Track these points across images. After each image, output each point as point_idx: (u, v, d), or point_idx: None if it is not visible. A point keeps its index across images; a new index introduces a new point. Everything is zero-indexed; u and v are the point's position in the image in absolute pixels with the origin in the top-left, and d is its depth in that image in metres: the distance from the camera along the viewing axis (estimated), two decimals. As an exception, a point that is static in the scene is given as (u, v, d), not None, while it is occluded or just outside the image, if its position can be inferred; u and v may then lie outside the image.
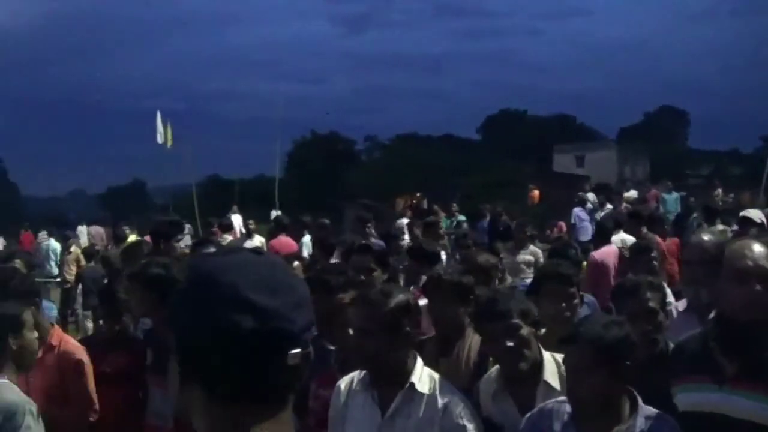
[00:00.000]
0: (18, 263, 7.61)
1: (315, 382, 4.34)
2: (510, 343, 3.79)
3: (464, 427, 3.57)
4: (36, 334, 4.44)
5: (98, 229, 26.20)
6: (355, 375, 3.87)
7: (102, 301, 5.96)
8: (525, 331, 3.85)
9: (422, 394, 3.62)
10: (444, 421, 3.58)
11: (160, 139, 27.78)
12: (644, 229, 10.44)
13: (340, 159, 66.47)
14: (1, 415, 3.87)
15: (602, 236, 10.42)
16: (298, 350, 1.51)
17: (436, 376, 3.74)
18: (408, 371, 3.67)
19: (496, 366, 4.04)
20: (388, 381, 3.69)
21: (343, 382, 3.90)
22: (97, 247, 17.42)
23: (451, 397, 3.64)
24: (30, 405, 4.00)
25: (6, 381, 4.08)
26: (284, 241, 13.12)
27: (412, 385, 3.63)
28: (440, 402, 3.60)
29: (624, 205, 23.01)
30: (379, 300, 3.71)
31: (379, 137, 76.96)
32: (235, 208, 25.07)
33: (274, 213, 23.16)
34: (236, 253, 1.64)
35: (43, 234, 17.04)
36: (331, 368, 4.38)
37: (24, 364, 4.31)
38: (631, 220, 11.01)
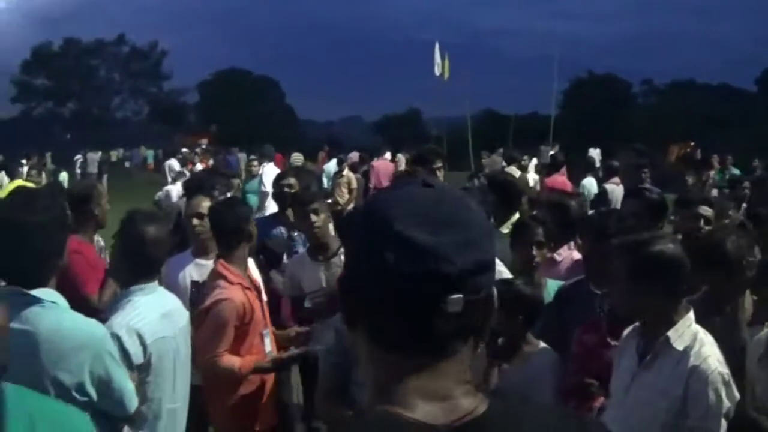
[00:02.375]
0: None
1: (580, 327, 4.32)
2: None
3: (707, 395, 3.40)
4: None
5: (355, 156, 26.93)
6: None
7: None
8: None
9: (676, 351, 3.48)
10: (691, 381, 3.43)
11: (437, 71, 28.24)
12: None
13: (615, 101, 64.71)
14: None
15: None
16: (460, 296, 1.33)
17: (702, 335, 3.54)
18: (669, 324, 3.54)
19: None
20: (650, 331, 3.60)
21: (630, 328, 3.82)
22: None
23: (704, 360, 3.44)
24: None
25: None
26: (559, 180, 12.76)
27: (668, 339, 3.51)
28: (691, 362, 3.44)
29: None
30: (632, 248, 3.62)
31: (655, 81, 74.09)
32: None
33: (544, 149, 22.90)
34: (406, 185, 1.45)
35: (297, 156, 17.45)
36: (597, 314, 4.33)
37: None
38: None
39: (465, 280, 1.33)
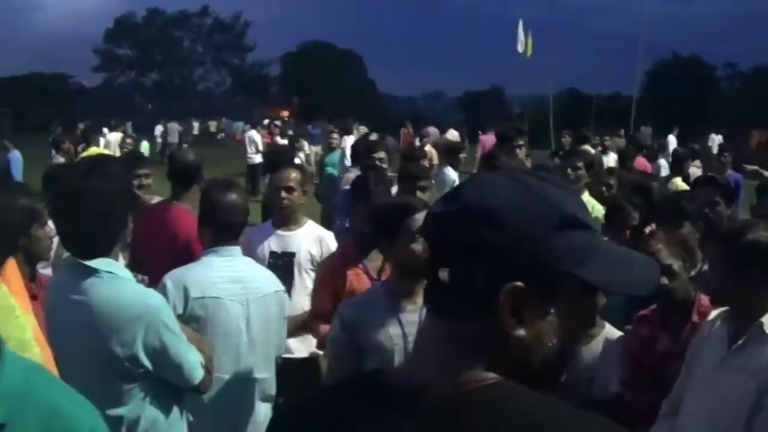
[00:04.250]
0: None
1: (634, 319, 4.40)
2: None
3: None
4: None
5: (453, 133, 26.93)
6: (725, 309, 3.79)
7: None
8: None
9: None
10: None
11: (520, 48, 27.96)
12: None
13: (699, 84, 63.47)
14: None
15: None
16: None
17: None
18: (763, 311, 3.53)
19: None
20: (742, 318, 3.59)
21: (714, 314, 3.83)
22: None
23: None
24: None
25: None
26: (640, 162, 12.65)
27: (762, 325, 3.50)
28: None
29: None
30: (729, 236, 3.62)
31: (739, 65, 72.62)
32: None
33: (644, 130, 22.49)
34: None
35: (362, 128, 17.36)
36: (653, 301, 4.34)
37: None
38: None
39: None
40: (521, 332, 1.29)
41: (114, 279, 3.22)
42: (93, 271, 3.19)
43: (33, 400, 1.73)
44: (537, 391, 1.31)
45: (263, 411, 4.27)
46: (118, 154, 15.87)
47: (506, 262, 1.27)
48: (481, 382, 1.29)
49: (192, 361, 3.37)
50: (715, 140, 26.86)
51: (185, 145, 17.94)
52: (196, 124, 54.27)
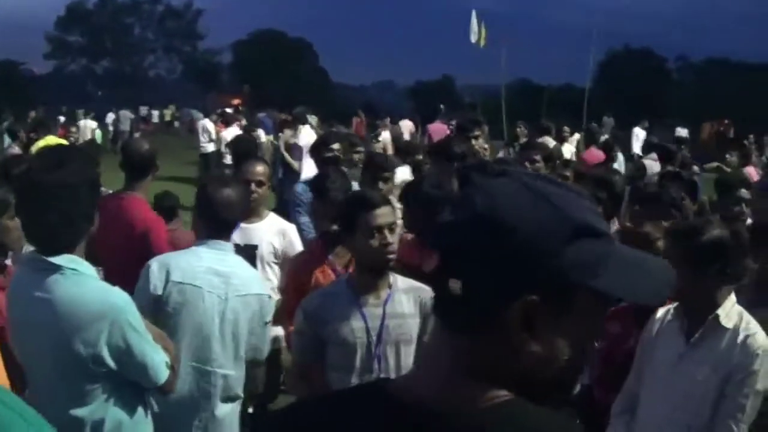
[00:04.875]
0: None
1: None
2: None
3: (752, 367, 3.51)
4: None
5: (407, 123, 26.94)
6: (673, 304, 3.86)
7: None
8: None
9: (726, 328, 3.60)
10: (739, 354, 3.55)
11: (473, 38, 27.94)
12: None
13: (651, 76, 64.33)
14: None
15: None
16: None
17: (746, 314, 3.67)
18: (716, 305, 3.63)
19: None
20: (696, 312, 3.68)
21: (662, 310, 3.90)
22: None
23: (753, 335, 3.58)
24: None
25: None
26: (595, 153, 12.89)
27: (717, 318, 3.61)
28: (740, 338, 3.57)
29: None
30: (688, 234, 3.71)
31: (691, 58, 73.90)
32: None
33: (607, 120, 22.67)
34: None
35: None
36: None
37: None
38: None
39: None
40: (534, 347, 1.24)
41: (77, 276, 3.13)
42: (56, 268, 3.09)
43: None
44: (546, 404, 1.28)
45: (227, 410, 4.22)
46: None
47: (518, 274, 1.22)
48: (493, 400, 1.25)
49: (157, 361, 3.28)
50: (681, 133, 27.16)
51: (137, 134, 17.85)
52: (155, 113, 53.75)
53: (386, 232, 3.87)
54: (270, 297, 4.34)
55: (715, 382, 3.57)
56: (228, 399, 4.23)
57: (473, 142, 8.46)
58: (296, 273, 4.93)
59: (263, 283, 4.39)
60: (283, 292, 5.13)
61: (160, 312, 3.98)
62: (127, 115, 36.76)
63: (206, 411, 4.16)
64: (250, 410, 4.90)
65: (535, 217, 1.23)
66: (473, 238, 1.24)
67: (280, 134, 14.94)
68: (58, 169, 3.09)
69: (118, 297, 3.21)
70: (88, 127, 22.82)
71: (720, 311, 3.62)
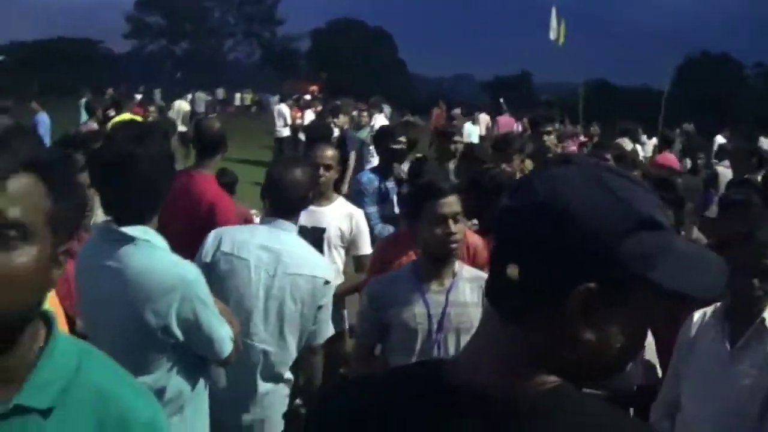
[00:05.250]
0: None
1: None
2: None
3: None
4: None
5: (484, 116, 26.81)
6: (710, 307, 3.82)
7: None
8: None
9: None
10: None
11: (552, 35, 27.67)
12: None
13: (727, 81, 63.22)
14: None
15: None
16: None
17: None
18: (763, 307, 3.60)
19: None
20: (744, 315, 3.64)
21: (698, 313, 3.86)
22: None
23: None
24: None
25: None
26: (669, 157, 12.62)
27: (764, 320, 3.58)
28: None
29: None
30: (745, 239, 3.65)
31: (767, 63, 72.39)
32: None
33: (687, 126, 22.39)
34: None
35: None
36: None
37: None
38: None
39: None
40: (589, 335, 1.25)
41: (150, 248, 3.19)
42: (129, 239, 3.15)
43: (86, 386, 1.63)
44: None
45: (268, 388, 4.18)
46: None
47: (578, 262, 1.22)
48: (544, 385, 1.26)
49: (223, 334, 3.33)
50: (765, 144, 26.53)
51: (212, 116, 17.99)
52: (237, 95, 54.37)
53: (450, 221, 3.89)
54: (327, 282, 4.22)
55: (763, 385, 3.53)
56: (271, 378, 4.17)
57: (545, 137, 8.46)
58: (381, 260, 4.95)
59: (323, 267, 4.30)
60: (368, 272, 5.17)
61: (207, 280, 4.00)
62: (202, 97, 37.19)
63: (247, 386, 4.13)
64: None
65: (596, 206, 1.23)
66: (533, 224, 1.25)
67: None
68: (140, 142, 3.15)
69: (189, 270, 3.27)
70: (182, 108, 23.15)
71: (766, 314, 3.60)
